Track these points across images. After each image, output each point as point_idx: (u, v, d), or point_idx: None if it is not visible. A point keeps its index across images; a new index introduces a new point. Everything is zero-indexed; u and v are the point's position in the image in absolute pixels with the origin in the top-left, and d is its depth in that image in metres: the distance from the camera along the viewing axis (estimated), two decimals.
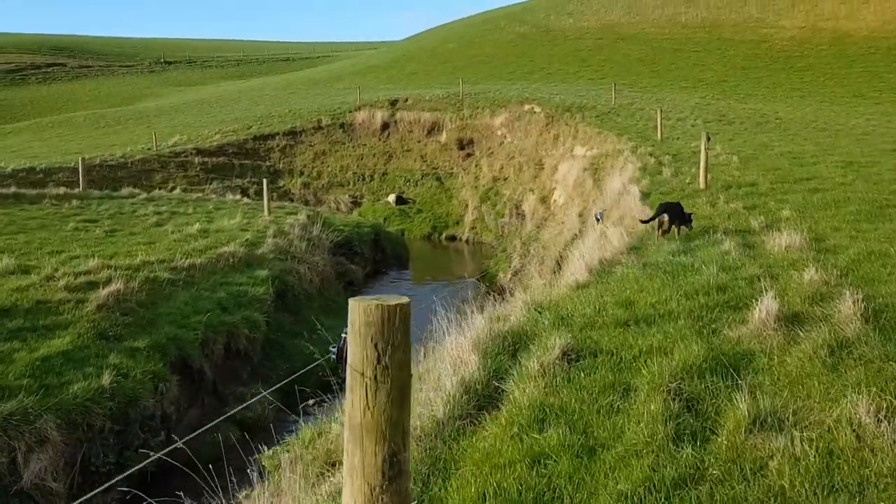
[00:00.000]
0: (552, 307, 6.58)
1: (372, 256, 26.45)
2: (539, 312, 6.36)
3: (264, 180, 22.14)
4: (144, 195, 23.84)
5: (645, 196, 14.95)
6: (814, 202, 12.58)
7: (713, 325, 5.76)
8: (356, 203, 40.55)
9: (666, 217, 10.37)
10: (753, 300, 5.91)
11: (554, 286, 8.28)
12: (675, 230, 10.34)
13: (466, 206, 37.53)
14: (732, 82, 44.65)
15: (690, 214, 10.77)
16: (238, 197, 27.05)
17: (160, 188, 33.88)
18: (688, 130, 26.57)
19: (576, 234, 17.08)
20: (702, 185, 14.91)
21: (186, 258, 14.04)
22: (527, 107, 39.26)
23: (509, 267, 22.50)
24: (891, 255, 7.99)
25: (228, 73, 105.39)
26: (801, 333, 5.30)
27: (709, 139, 15.23)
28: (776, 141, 23.17)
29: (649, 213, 12.72)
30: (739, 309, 6.14)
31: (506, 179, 36.93)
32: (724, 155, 19.56)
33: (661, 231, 10.33)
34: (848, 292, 5.81)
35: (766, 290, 5.97)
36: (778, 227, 9.97)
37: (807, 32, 54.29)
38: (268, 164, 42.23)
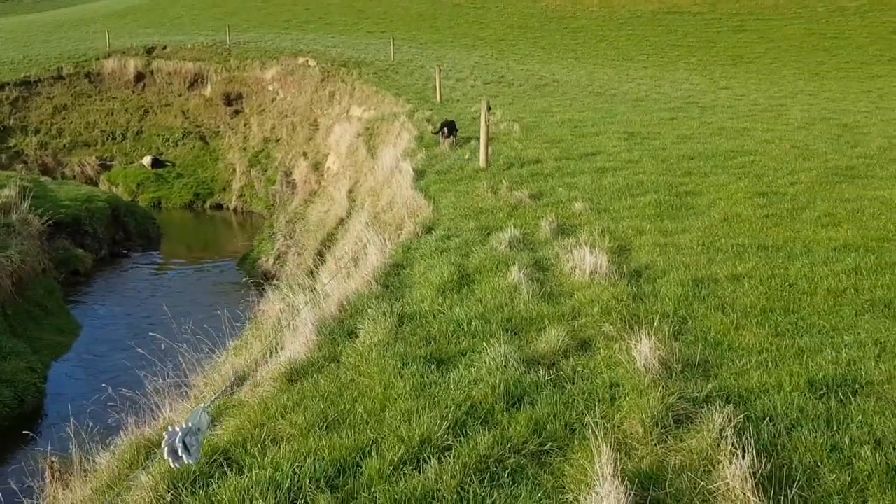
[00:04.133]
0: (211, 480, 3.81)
1: (110, 236, 22.27)
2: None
3: None
4: None
5: (419, 175, 12.66)
6: (605, 187, 10.88)
7: None
8: (105, 166, 35.18)
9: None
10: (572, 443, 3.59)
11: (261, 367, 5.58)
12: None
13: (234, 170, 33.70)
14: (510, 41, 43.86)
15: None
16: None
17: None
18: (468, 92, 24.78)
19: (342, 219, 14.50)
20: (482, 164, 12.84)
21: None
22: (301, 60, 35.85)
23: (273, 249, 19.51)
24: (720, 283, 6.16)
25: None
26: None
27: (489, 108, 13.14)
28: (556, 106, 21.91)
29: (422, 201, 10.59)
30: (553, 470, 3.76)
31: (278, 141, 33.56)
32: (504, 122, 17.81)
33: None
34: (717, 413, 3.73)
35: (590, 418, 3.70)
36: (573, 231, 7.97)
37: None
38: None
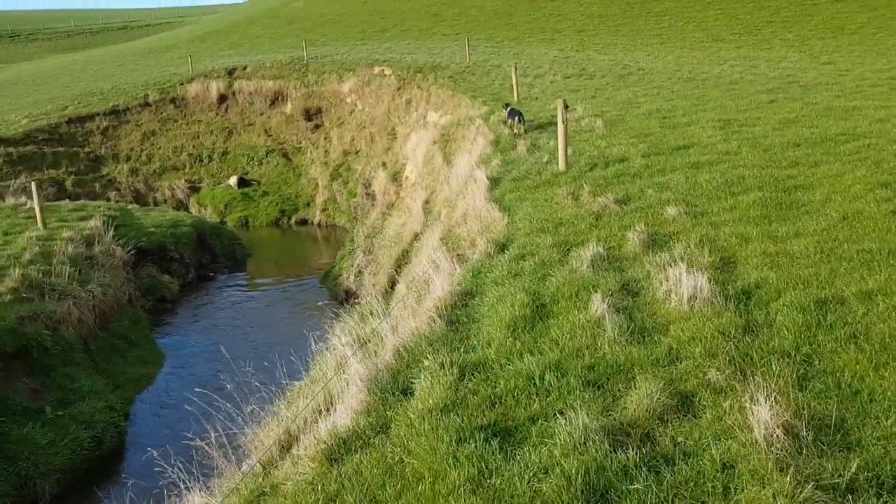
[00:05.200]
0: None
1: (196, 260, 22.37)
2: None
3: (33, 184, 17.56)
4: None
5: (494, 184, 11.84)
6: (701, 185, 9.75)
7: None
8: (194, 189, 35.91)
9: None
10: None
11: (309, 429, 4.87)
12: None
13: (317, 184, 33.79)
14: (591, 31, 42.45)
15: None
16: (21, 200, 22.02)
17: None
18: (547, 88, 23.77)
19: (416, 234, 13.82)
20: (561, 167, 11.90)
21: None
22: (377, 69, 35.67)
23: (353, 265, 19.09)
24: (848, 303, 5.07)
25: (58, 45, 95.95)
26: None
27: (567, 107, 12.18)
28: (642, 96, 20.64)
29: (496, 213, 9.84)
30: None
31: (357, 152, 33.44)
32: (586, 118, 16.76)
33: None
34: None
35: None
36: (666, 242, 6.95)
37: None
38: (87, 150, 36.89)
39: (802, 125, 13.77)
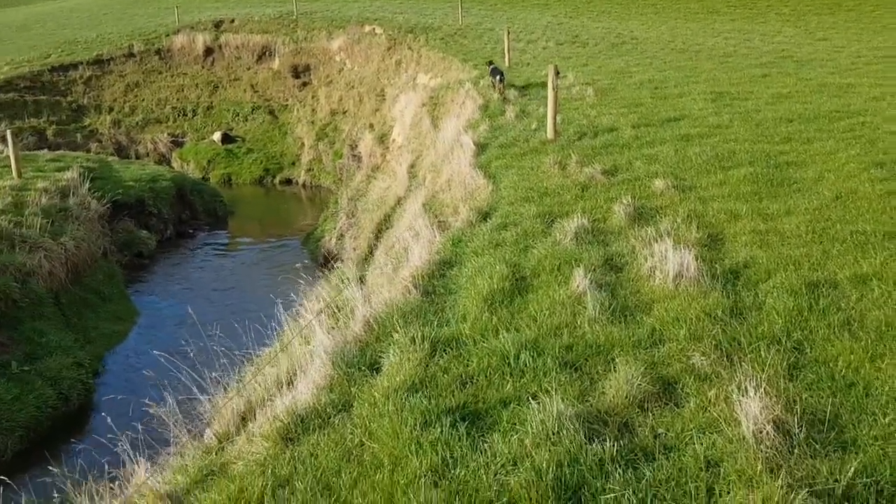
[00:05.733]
0: None
1: (176, 216, 21.94)
2: None
3: (8, 132, 17.01)
4: None
5: (481, 150, 11.53)
6: (691, 159, 9.50)
7: None
8: (177, 143, 35.25)
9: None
10: None
11: (272, 401, 4.60)
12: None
13: (302, 144, 33.19)
14: None
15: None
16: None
17: None
18: (539, 54, 23.34)
19: (400, 198, 13.49)
20: (550, 135, 11.59)
21: None
22: (367, 28, 34.90)
23: (335, 228, 18.76)
24: (842, 287, 4.84)
25: None
26: None
27: (558, 74, 11.84)
28: (634, 66, 20.28)
29: (481, 180, 9.56)
30: None
31: (345, 113, 32.84)
32: (577, 86, 16.42)
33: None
34: None
35: None
36: (653, 215, 6.70)
37: None
38: (69, 99, 36.08)
39: (795, 101, 13.52)
